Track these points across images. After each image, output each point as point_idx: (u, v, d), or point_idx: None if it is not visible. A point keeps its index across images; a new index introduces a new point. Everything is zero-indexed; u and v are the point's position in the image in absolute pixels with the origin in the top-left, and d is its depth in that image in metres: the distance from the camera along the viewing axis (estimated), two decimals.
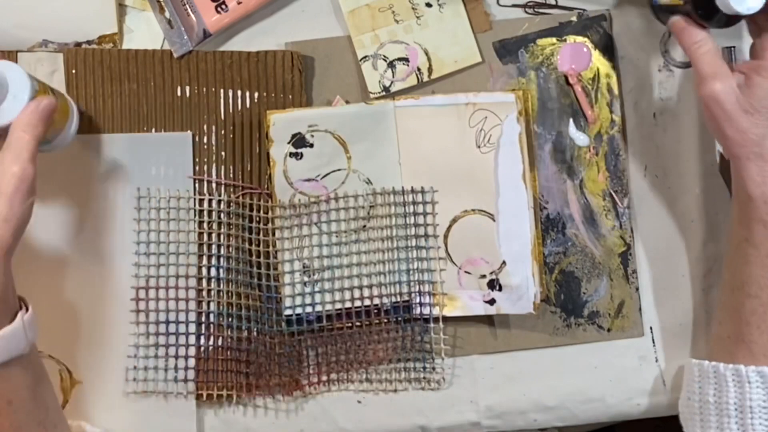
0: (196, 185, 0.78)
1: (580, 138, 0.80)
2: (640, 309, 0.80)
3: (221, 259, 0.78)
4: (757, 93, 0.68)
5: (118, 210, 0.78)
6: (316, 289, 0.77)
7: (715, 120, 0.70)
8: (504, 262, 0.77)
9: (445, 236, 0.78)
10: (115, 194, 0.78)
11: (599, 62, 0.79)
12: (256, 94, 0.79)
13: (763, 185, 0.69)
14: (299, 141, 0.77)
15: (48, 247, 0.78)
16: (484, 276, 0.78)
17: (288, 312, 0.78)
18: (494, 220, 0.77)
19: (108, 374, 0.78)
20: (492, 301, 0.78)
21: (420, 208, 0.78)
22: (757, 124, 0.68)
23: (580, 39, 0.80)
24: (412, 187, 0.78)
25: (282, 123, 0.77)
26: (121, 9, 0.79)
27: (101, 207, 0.78)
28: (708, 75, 0.69)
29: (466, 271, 0.78)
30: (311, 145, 0.77)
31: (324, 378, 0.79)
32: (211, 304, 0.78)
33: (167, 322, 0.78)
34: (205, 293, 0.78)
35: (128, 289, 0.78)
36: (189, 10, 0.78)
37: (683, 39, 0.71)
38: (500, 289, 0.78)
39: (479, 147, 0.77)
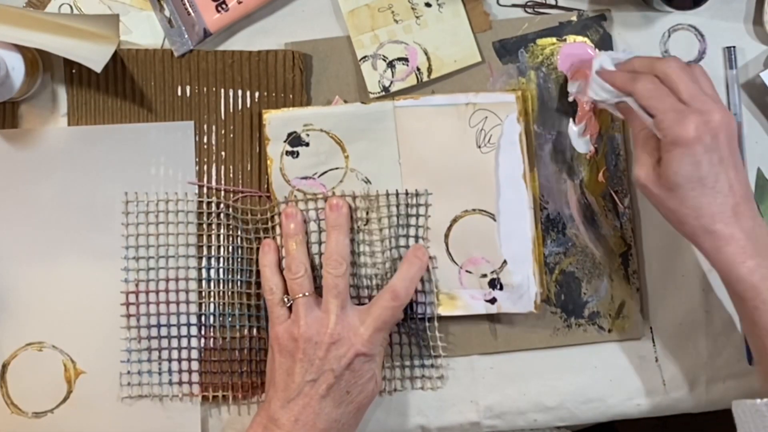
0: (196, 187, 0.78)
1: None
2: (641, 309, 0.79)
3: (221, 260, 0.78)
4: (667, 171, 0.67)
5: (117, 206, 0.78)
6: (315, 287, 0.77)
7: (654, 205, 0.70)
8: (505, 261, 0.77)
9: (446, 236, 0.78)
10: (114, 189, 0.78)
11: None
12: (256, 94, 0.79)
13: (723, 262, 0.68)
14: (295, 140, 0.77)
15: (50, 238, 0.78)
16: (485, 275, 0.78)
17: None
18: (495, 220, 0.77)
19: (110, 370, 0.78)
20: (493, 300, 0.78)
21: (415, 210, 0.78)
22: (684, 198, 0.68)
23: (579, 39, 0.80)
24: (406, 190, 0.78)
25: (277, 122, 0.77)
26: (121, 8, 0.79)
27: (100, 203, 0.78)
28: (635, 163, 0.70)
29: (467, 271, 0.78)
30: (307, 144, 0.77)
31: None
32: (211, 305, 0.78)
33: (158, 326, 0.77)
34: (203, 294, 0.78)
35: (119, 290, 0.78)
36: (189, 9, 0.78)
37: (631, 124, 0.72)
38: (501, 288, 0.78)
39: (480, 147, 0.77)
